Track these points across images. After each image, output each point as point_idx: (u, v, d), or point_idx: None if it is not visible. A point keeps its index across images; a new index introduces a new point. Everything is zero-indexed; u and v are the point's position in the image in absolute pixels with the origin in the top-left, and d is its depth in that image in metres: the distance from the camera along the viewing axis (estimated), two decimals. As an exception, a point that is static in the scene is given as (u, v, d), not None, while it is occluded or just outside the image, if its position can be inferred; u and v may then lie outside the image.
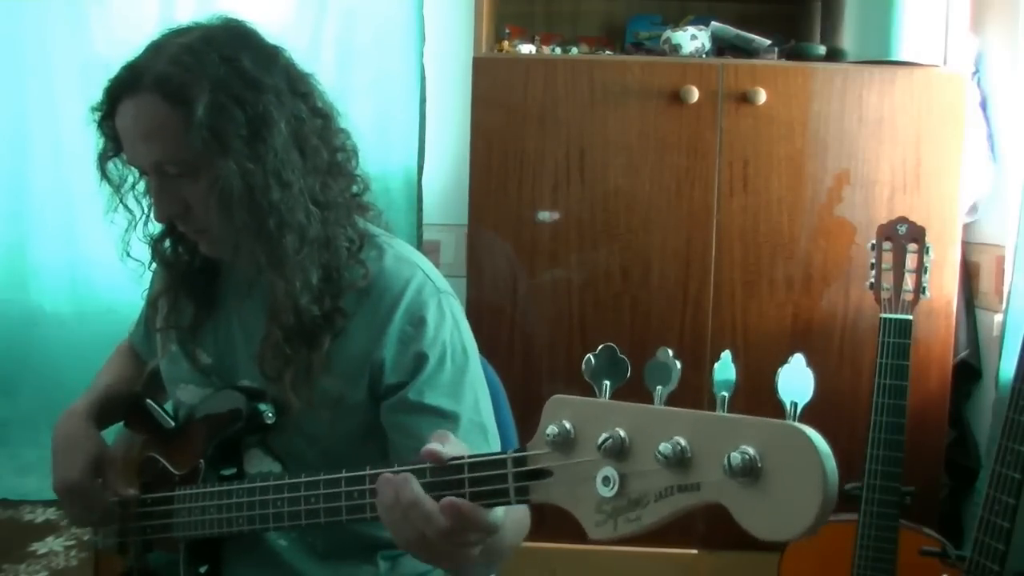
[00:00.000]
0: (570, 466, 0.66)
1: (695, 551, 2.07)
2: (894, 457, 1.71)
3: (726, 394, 0.60)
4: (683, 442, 0.58)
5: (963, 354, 2.13)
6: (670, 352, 0.64)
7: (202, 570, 1.06)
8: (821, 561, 1.79)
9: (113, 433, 1.24)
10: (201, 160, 0.99)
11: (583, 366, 0.68)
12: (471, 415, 1.05)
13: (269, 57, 1.05)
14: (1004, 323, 1.95)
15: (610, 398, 0.66)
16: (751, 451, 0.55)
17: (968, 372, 2.16)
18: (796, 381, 0.59)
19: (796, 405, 0.58)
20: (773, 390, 0.63)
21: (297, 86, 1.06)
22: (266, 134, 0.99)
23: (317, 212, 1.04)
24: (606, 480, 0.63)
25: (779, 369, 0.60)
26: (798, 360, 0.61)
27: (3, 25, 2.49)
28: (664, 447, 0.58)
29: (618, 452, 0.62)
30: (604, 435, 0.62)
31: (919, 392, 1.92)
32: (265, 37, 1.07)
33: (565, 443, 0.66)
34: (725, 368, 0.61)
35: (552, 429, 0.66)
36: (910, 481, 1.73)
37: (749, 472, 0.55)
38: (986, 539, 1.45)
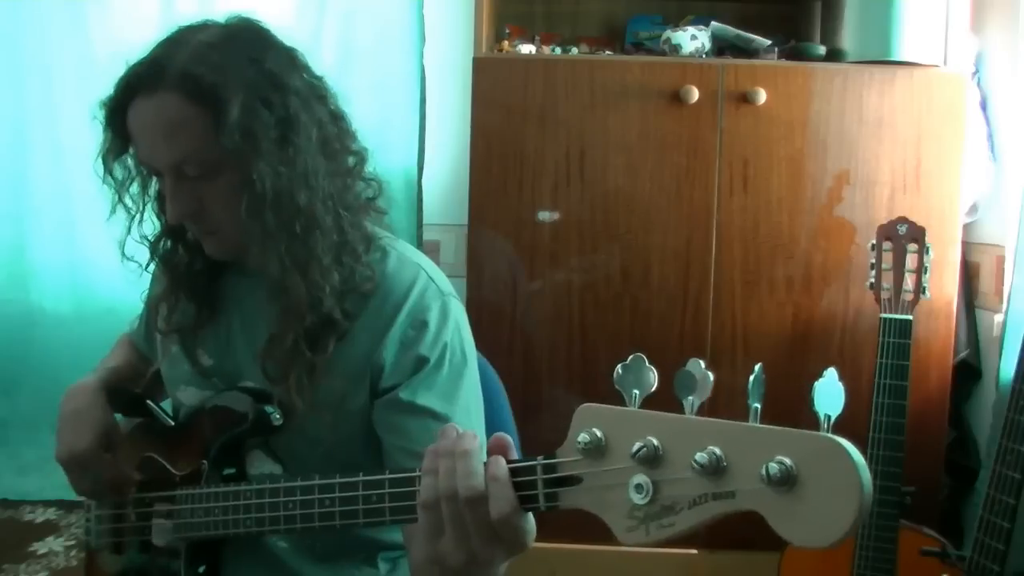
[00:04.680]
0: (601, 473, 0.67)
1: (695, 551, 2.07)
2: (894, 457, 1.71)
3: (758, 405, 0.62)
4: (718, 451, 0.60)
5: (963, 354, 2.13)
6: (702, 363, 0.65)
7: (201, 570, 1.06)
8: (821, 561, 1.79)
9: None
10: (225, 161, 0.97)
11: (613, 375, 0.69)
12: (462, 419, 1.03)
13: (289, 59, 1.04)
14: (1004, 323, 1.96)
15: (639, 407, 0.67)
16: (788, 461, 0.56)
17: (968, 372, 2.16)
18: (829, 395, 0.61)
19: (829, 417, 0.60)
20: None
21: (315, 89, 1.05)
22: (294, 137, 0.99)
23: (340, 215, 1.04)
24: (639, 487, 0.64)
25: (815, 384, 0.62)
26: (831, 374, 0.63)
27: (3, 25, 2.50)
28: (700, 456, 0.60)
29: (652, 460, 0.63)
30: (638, 444, 0.63)
31: (919, 392, 1.92)
32: (282, 38, 1.06)
33: (596, 450, 0.67)
34: (758, 380, 0.63)
35: (583, 437, 0.67)
36: (910, 481, 1.73)
37: (786, 481, 0.56)
38: (986, 539, 1.45)
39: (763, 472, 0.57)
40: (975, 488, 2.08)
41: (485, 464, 0.71)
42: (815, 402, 0.61)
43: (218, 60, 0.97)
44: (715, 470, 0.60)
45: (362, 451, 1.09)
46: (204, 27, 1.02)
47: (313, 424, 1.05)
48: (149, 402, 1.21)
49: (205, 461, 1.06)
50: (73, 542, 2.28)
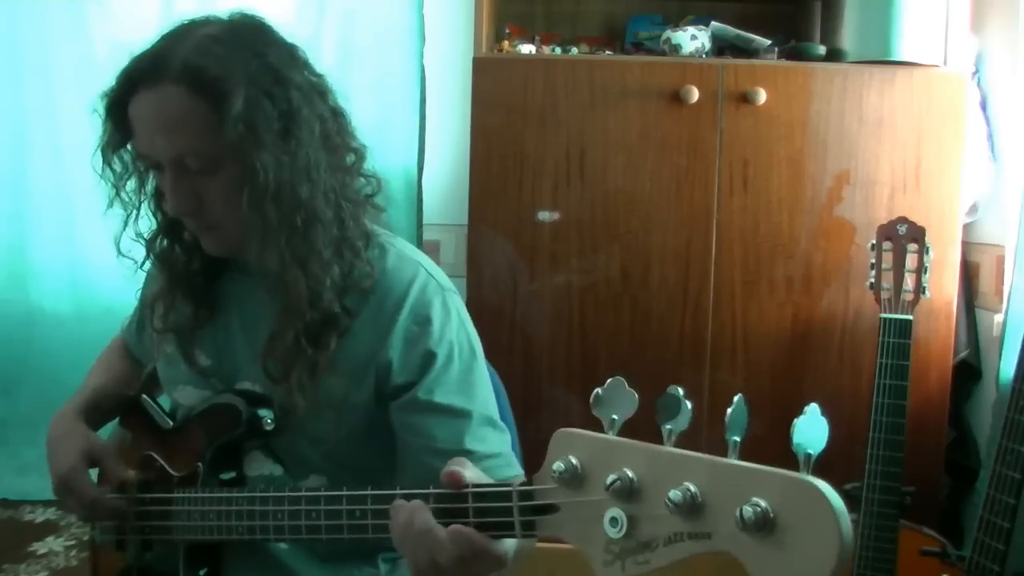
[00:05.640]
0: (577, 504, 0.65)
1: (695, 551, 2.07)
2: (894, 457, 1.71)
3: (737, 439, 0.59)
4: (694, 489, 0.57)
5: (963, 354, 2.13)
6: (681, 391, 0.62)
7: (201, 572, 1.06)
8: (821, 561, 1.78)
9: (105, 434, 1.22)
10: (227, 154, 0.97)
11: (591, 399, 0.66)
12: (482, 411, 1.05)
13: (290, 54, 1.04)
14: (1004, 323, 1.95)
15: (617, 432, 0.65)
16: (764, 504, 0.54)
17: (968, 372, 2.16)
18: (811, 431, 0.58)
19: (810, 456, 0.57)
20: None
21: (316, 85, 1.05)
22: (296, 130, 0.99)
23: (341, 208, 1.04)
24: (614, 521, 0.62)
25: (795, 421, 0.58)
26: (813, 410, 0.59)
27: (3, 25, 2.50)
28: (674, 494, 0.57)
29: (627, 493, 0.61)
30: (612, 476, 0.61)
31: (919, 392, 1.92)
32: (283, 35, 1.06)
33: (573, 479, 0.65)
34: (739, 413, 0.60)
35: (559, 465, 0.65)
36: (910, 481, 1.73)
37: (762, 526, 0.54)
38: (986, 539, 1.45)
39: (738, 516, 0.54)
40: (975, 488, 2.07)
41: (448, 531, 0.72)
42: (794, 440, 0.57)
43: (221, 53, 0.97)
44: (691, 508, 0.57)
45: (363, 450, 1.08)
46: (207, 22, 1.02)
47: (315, 423, 1.05)
48: (145, 397, 1.21)
49: (200, 464, 1.06)
50: (73, 542, 2.28)
